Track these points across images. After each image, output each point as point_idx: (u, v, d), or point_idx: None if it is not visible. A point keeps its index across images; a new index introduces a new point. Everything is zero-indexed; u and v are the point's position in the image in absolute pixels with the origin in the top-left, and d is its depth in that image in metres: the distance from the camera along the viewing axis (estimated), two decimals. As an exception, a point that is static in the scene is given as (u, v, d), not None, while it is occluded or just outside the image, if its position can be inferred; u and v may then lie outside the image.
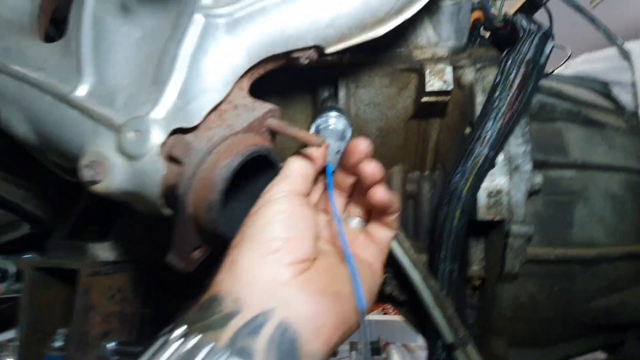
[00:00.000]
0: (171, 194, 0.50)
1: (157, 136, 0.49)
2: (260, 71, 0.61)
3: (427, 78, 0.74)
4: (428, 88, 0.74)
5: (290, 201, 0.48)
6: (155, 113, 0.50)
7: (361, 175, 0.52)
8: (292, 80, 0.89)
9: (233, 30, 0.54)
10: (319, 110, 0.77)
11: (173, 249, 0.52)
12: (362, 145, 0.55)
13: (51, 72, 0.58)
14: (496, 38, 0.90)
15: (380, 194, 0.52)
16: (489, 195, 0.73)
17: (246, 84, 0.60)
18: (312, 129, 0.78)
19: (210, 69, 0.53)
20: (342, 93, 0.82)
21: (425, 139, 0.93)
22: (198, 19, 0.53)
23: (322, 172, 0.60)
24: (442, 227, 0.75)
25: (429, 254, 0.88)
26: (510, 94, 0.68)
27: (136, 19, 0.60)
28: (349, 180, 0.60)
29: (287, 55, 0.58)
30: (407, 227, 0.99)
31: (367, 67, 0.81)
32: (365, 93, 0.85)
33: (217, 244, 0.57)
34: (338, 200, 0.62)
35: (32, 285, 0.74)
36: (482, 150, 0.69)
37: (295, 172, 0.52)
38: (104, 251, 0.76)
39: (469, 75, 0.78)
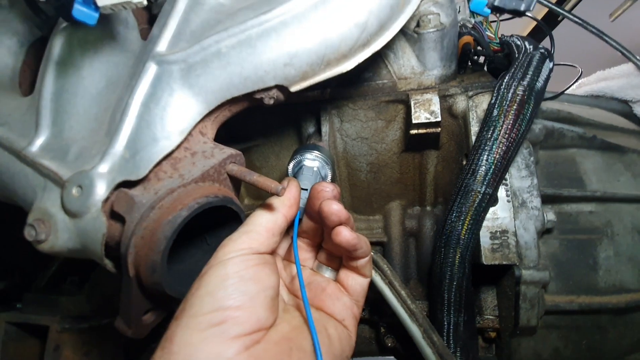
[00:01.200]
0: (116, 253, 0.46)
1: (101, 191, 0.45)
2: (226, 114, 0.58)
3: (413, 110, 0.69)
4: (414, 120, 0.68)
5: (245, 262, 0.42)
6: (102, 166, 0.47)
7: (323, 216, 0.46)
8: (276, 116, 0.85)
9: (188, 76, 0.51)
10: (297, 150, 0.72)
11: (120, 313, 0.47)
12: (327, 188, 0.49)
13: (13, 127, 0.57)
14: (493, 63, 0.84)
15: (344, 234, 0.46)
16: (493, 236, 0.64)
17: (209, 128, 0.57)
18: (289, 170, 0.73)
19: (162, 117, 0.50)
20: (325, 128, 0.77)
21: (423, 172, 0.85)
22: (151, 67, 0.51)
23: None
24: (440, 273, 0.66)
25: (429, 302, 0.78)
26: (506, 122, 0.61)
27: (101, 69, 0.59)
28: (318, 227, 0.54)
29: (248, 96, 0.54)
30: (409, 269, 0.89)
31: (350, 101, 0.76)
32: (351, 127, 0.80)
33: (174, 306, 0.51)
34: (309, 249, 0.56)
35: (5, 340, 0.70)
36: (477, 185, 0.61)
37: (260, 226, 0.46)
38: (77, 305, 0.73)
39: (460, 103, 0.72)
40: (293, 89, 0.54)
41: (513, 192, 0.65)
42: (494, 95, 0.64)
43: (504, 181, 0.64)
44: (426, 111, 0.68)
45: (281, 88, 0.54)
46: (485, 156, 0.60)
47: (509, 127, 0.60)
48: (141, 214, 0.44)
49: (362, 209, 0.93)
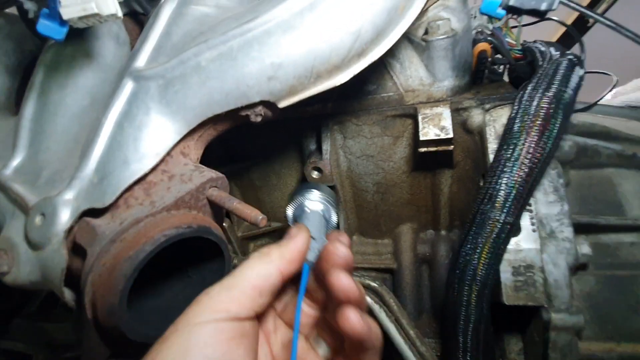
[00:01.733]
0: (75, 288, 0.41)
1: (63, 220, 0.41)
2: (211, 132, 0.53)
3: (421, 125, 0.61)
4: (422, 137, 0.61)
5: (217, 332, 0.33)
6: (68, 192, 0.43)
7: (332, 288, 0.37)
8: (276, 133, 0.80)
9: (165, 92, 0.47)
10: (296, 191, 0.65)
11: (81, 356, 0.42)
12: (341, 250, 0.39)
13: (-9, 148, 0.54)
14: (515, 72, 0.76)
15: (351, 319, 0.35)
16: (516, 271, 0.55)
17: (192, 148, 0.52)
18: (289, 214, 0.67)
19: (136, 138, 0.45)
20: (326, 146, 0.71)
21: (436, 193, 0.77)
22: (127, 84, 0.47)
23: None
24: (454, 313, 0.58)
25: (442, 342, 0.69)
26: (529, 139, 0.53)
27: (86, 86, 0.57)
28: (322, 289, 0.43)
29: (233, 114, 0.49)
30: (421, 301, 0.80)
31: (353, 116, 0.70)
32: (355, 144, 0.74)
33: (137, 351, 0.46)
34: (310, 307, 0.44)
35: (-10, 370, 0.67)
36: (495, 213, 0.52)
37: (246, 282, 0.36)
38: (63, 334, 0.69)
39: (476, 117, 0.64)
40: (281, 104, 0.49)
41: (539, 220, 0.56)
42: (515, 108, 0.56)
43: (527, 207, 0.55)
44: (436, 127, 0.60)
45: (268, 104, 0.49)
46: (505, 179, 0.52)
47: (533, 144, 0.52)
48: (101, 247, 0.39)
49: (370, 232, 0.86)
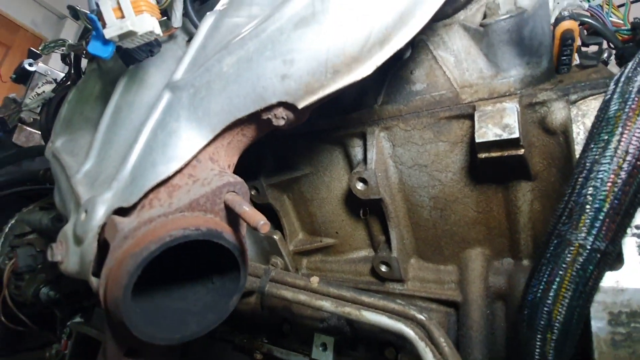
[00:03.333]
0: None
1: (98, 216, 0.45)
2: (240, 139, 0.53)
3: (477, 124, 0.51)
4: (479, 138, 0.50)
5: None
6: (107, 192, 0.47)
7: None
8: (322, 143, 0.77)
9: (194, 100, 0.49)
10: None
11: (100, 350, 0.44)
12: None
13: (78, 157, 0.65)
14: (623, 56, 0.58)
15: None
16: (614, 320, 0.39)
17: (223, 155, 0.53)
18: None
19: (165, 143, 0.48)
20: (371, 155, 0.65)
21: (511, 211, 0.62)
22: (165, 95, 0.51)
23: None
24: (526, 366, 0.44)
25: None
26: (627, 131, 0.38)
27: (148, 102, 0.64)
28: None
29: (255, 118, 0.48)
30: (494, 345, 0.64)
31: (400, 120, 0.62)
32: (405, 153, 0.65)
33: (155, 353, 0.46)
34: None
35: (75, 345, 0.79)
36: (577, 236, 0.38)
37: None
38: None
39: (558, 113, 0.50)
40: (301, 105, 0.46)
41: (657, 249, 0.39)
42: (609, 91, 0.42)
43: (635, 230, 0.39)
44: (496, 125, 0.49)
45: (287, 105, 0.46)
46: (591, 188, 0.38)
47: (636, 137, 0.37)
48: (118, 243, 0.41)
49: (430, 256, 0.74)
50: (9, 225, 1.06)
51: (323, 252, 0.89)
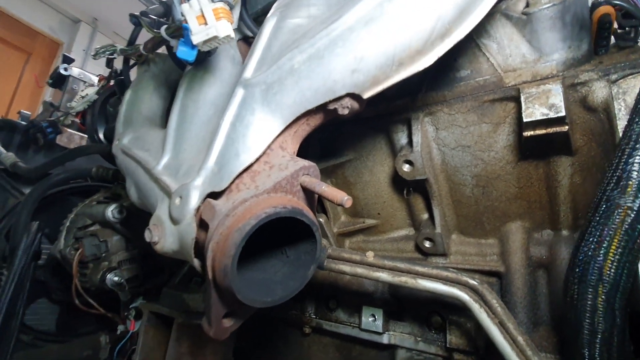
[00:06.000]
0: (202, 256, 0.51)
1: (194, 201, 0.52)
2: (305, 127, 0.59)
3: (524, 105, 0.56)
4: (526, 118, 0.55)
5: None
6: (197, 180, 0.54)
7: None
8: (367, 129, 0.83)
9: (266, 95, 0.55)
10: None
11: (205, 313, 0.51)
12: None
13: (151, 152, 0.72)
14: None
15: None
16: (662, 273, 0.44)
17: (290, 143, 0.59)
18: None
19: (244, 134, 0.54)
20: (416, 138, 0.70)
21: (552, 185, 0.67)
22: (239, 92, 0.57)
23: None
24: (577, 319, 0.49)
25: (564, 359, 0.58)
26: (674, 108, 0.42)
27: (211, 99, 0.70)
28: None
29: (322, 108, 0.54)
30: (538, 311, 0.70)
31: (444, 105, 0.67)
32: (448, 135, 0.70)
33: (247, 313, 0.53)
34: None
35: (147, 325, 0.87)
36: (626, 199, 0.43)
37: None
38: (195, 302, 0.84)
39: (599, 92, 0.54)
40: (366, 95, 0.51)
41: (700, 210, 0.44)
42: (653, 73, 0.46)
43: (678, 192, 0.44)
44: (543, 105, 0.54)
45: (353, 96, 0.52)
46: (637, 157, 0.43)
47: (680, 113, 0.42)
48: (218, 221, 0.48)
49: (471, 231, 0.79)
50: (70, 219, 1.15)
51: (365, 233, 0.96)
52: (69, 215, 1.18)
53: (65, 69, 1.77)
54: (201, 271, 0.54)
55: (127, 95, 0.95)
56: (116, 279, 1.01)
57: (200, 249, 0.52)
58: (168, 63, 0.95)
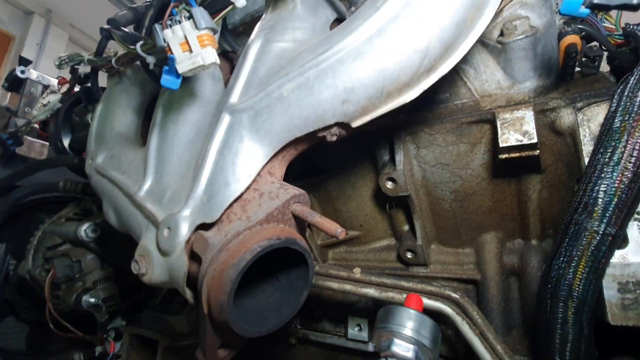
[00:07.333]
0: (193, 287, 0.50)
1: (183, 233, 0.51)
2: (292, 152, 0.60)
3: (500, 131, 0.59)
4: (502, 143, 0.59)
5: None
6: (185, 210, 0.53)
7: None
8: (350, 146, 0.84)
9: (255, 122, 0.54)
10: (384, 314, 0.58)
11: (199, 345, 0.51)
12: None
13: (130, 175, 0.69)
14: (617, 60, 0.67)
15: None
16: (623, 288, 0.49)
17: (277, 168, 0.59)
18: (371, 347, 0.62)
19: (233, 162, 0.54)
20: (399, 157, 0.72)
21: (523, 200, 0.72)
22: (225, 118, 0.56)
23: None
24: (549, 330, 0.54)
25: (538, 363, 0.63)
26: (633, 139, 0.47)
27: (192, 120, 0.68)
28: None
29: (311, 136, 0.55)
30: (511, 315, 0.75)
31: (425, 126, 0.70)
32: (428, 153, 0.73)
33: (242, 343, 0.53)
34: None
35: (129, 348, 0.85)
36: (592, 223, 0.48)
37: None
38: (179, 324, 0.83)
39: (566, 118, 0.59)
40: (354, 124, 0.52)
41: (653, 229, 0.49)
42: (614, 104, 0.51)
43: (636, 216, 0.49)
44: (517, 132, 0.58)
45: (342, 125, 0.53)
46: (603, 186, 0.47)
47: (638, 145, 0.46)
48: (212, 255, 0.47)
49: (449, 241, 0.83)
50: (37, 237, 1.08)
51: (347, 244, 0.98)
52: (35, 233, 1.11)
53: (22, 72, 1.65)
54: (194, 303, 0.53)
55: (98, 109, 0.90)
56: (92, 300, 0.97)
57: (191, 281, 0.51)
58: (141, 74, 0.91)
